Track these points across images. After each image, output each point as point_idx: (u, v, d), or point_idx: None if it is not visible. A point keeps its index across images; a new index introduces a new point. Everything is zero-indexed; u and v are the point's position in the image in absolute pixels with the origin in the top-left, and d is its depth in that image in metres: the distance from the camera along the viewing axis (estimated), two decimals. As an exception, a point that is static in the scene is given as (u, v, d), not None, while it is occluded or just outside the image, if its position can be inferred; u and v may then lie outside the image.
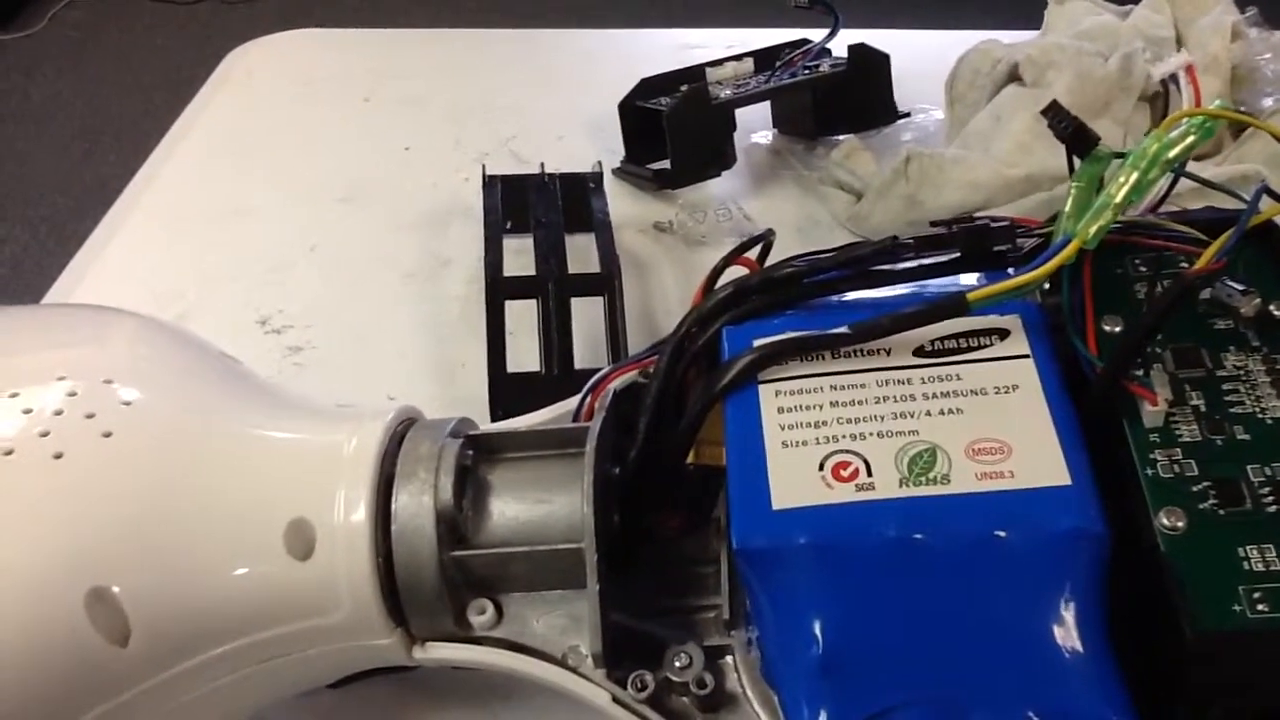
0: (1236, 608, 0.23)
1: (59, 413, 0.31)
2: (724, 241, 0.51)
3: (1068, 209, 0.27)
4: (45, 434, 0.30)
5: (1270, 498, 0.24)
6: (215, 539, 0.29)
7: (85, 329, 0.35)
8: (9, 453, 0.30)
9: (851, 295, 0.30)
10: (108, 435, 0.30)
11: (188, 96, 0.65)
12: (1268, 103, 0.55)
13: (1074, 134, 0.27)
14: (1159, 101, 0.50)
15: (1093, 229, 0.26)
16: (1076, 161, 0.28)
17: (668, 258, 0.51)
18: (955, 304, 0.26)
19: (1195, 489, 0.25)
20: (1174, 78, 0.29)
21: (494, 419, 0.40)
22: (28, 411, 0.31)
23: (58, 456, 0.30)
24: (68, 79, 1.86)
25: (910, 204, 0.47)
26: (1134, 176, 0.26)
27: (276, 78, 0.66)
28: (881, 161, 0.52)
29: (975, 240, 0.27)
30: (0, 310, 0.39)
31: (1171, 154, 0.26)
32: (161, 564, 0.29)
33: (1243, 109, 0.55)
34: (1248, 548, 0.24)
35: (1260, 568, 0.23)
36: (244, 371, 0.34)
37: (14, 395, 0.31)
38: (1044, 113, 0.28)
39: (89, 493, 0.29)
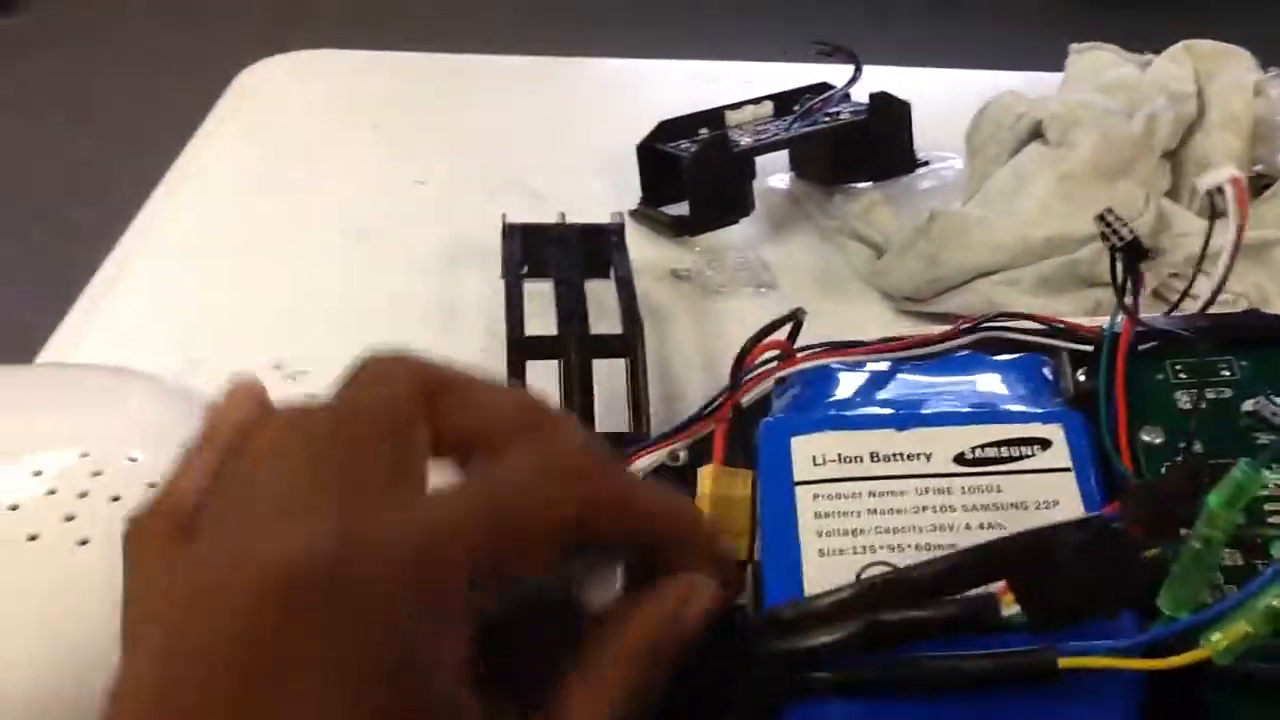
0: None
1: (84, 494, 0.30)
2: (742, 292, 0.51)
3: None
4: (70, 518, 0.30)
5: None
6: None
7: (101, 394, 0.35)
8: (34, 538, 0.29)
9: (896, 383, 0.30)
10: (133, 518, 0.30)
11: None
12: (1287, 160, 0.55)
13: (1128, 246, 0.27)
14: (1182, 164, 0.50)
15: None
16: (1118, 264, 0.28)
17: (686, 308, 0.51)
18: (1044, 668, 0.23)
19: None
20: (1220, 190, 0.29)
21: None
22: (52, 493, 0.30)
23: (83, 543, 0.29)
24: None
25: (931, 263, 0.47)
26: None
27: (284, 105, 0.66)
28: (901, 214, 0.51)
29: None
30: (12, 371, 0.38)
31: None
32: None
33: (1260, 166, 0.55)
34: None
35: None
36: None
37: (37, 473, 0.31)
38: (1098, 219, 0.27)
39: (114, 582, 0.29)
